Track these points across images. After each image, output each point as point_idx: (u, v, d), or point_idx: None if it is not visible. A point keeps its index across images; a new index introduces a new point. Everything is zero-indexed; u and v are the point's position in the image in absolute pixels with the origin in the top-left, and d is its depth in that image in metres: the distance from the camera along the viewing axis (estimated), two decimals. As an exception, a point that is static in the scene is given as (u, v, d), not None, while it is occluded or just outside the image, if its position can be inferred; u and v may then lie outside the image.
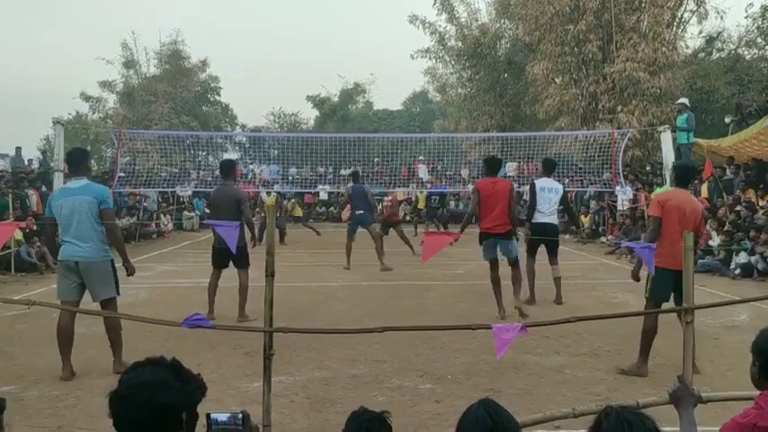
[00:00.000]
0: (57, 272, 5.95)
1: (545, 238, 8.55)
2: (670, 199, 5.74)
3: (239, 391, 5.12)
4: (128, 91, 31.82)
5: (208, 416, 2.27)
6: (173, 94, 31.19)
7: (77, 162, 5.92)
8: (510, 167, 22.48)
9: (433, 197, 19.35)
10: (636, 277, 5.91)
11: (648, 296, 5.70)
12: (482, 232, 7.78)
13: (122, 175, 18.41)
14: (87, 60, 63.54)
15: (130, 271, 5.92)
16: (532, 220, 8.71)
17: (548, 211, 8.65)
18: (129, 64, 31.98)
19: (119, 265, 5.83)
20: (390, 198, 15.35)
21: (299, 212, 19.99)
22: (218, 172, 26.31)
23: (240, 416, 2.34)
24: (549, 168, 9.23)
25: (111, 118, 32.32)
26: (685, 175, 6.13)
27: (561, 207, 9.17)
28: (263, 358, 3.26)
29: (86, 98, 32.65)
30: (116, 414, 1.86)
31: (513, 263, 7.83)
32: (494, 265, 7.85)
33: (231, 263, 7.68)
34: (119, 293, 5.77)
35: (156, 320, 4.77)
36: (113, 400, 1.87)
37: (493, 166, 8.45)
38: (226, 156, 33.84)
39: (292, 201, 19.77)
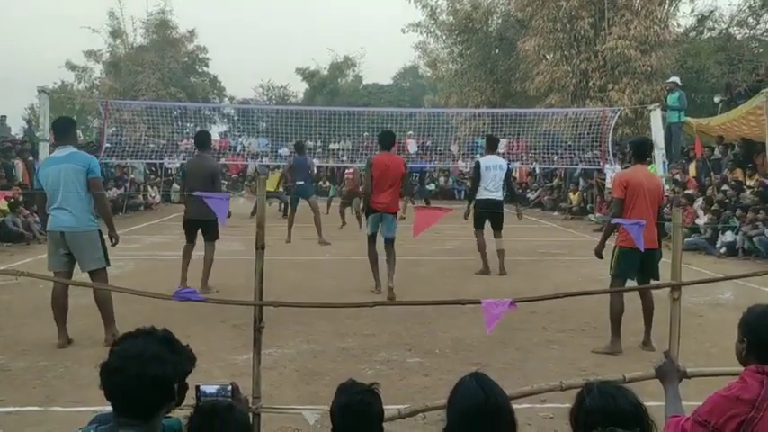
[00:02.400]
0: (46, 242, 5.88)
1: (492, 211, 8.97)
2: (632, 179, 5.71)
3: (228, 363, 5.15)
4: (114, 61, 31.34)
5: (197, 387, 2.27)
6: (160, 64, 30.74)
7: (63, 130, 5.82)
8: (500, 144, 22.46)
9: (414, 174, 19.19)
10: (599, 255, 5.97)
11: (613, 273, 5.76)
12: (370, 207, 7.78)
13: (109, 146, 18.20)
14: (73, 29, 62.43)
15: (115, 240, 5.86)
16: (478, 197, 9.10)
17: (493, 188, 9.04)
18: (116, 33, 31.44)
19: (106, 236, 5.77)
20: (352, 171, 15.28)
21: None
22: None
23: (229, 388, 2.35)
24: (493, 146, 9.69)
25: (97, 88, 31.88)
26: (643, 150, 6.11)
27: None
28: (253, 331, 3.27)
29: (72, 67, 32.17)
30: (108, 386, 1.86)
31: (390, 242, 7.81)
32: (372, 239, 7.90)
33: (200, 233, 7.73)
34: (108, 264, 5.72)
35: (147, 293, 4.74)
36: (105, 372, 1.87)
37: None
38: (215, 128, 33.57)
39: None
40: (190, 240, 7.82)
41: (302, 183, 12.32)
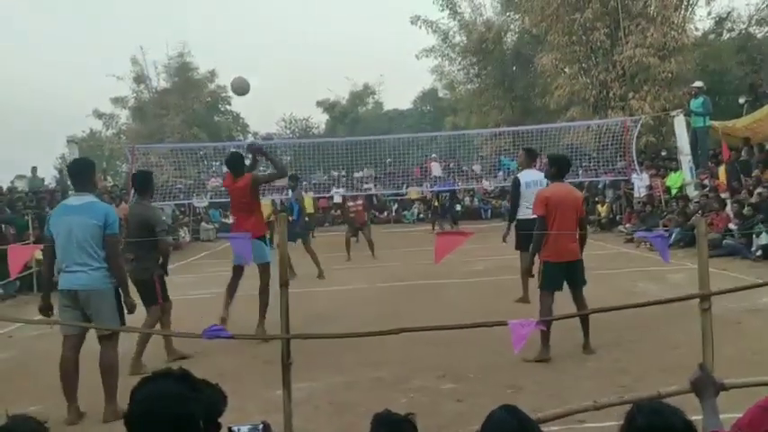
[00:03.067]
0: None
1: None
2: (552, 196, 6.06)
3: (262, 399, 5.15)
4: (139, 106, 32.13)
5: (229, 429, 2.28)
6: (183, 106, 31.44)
7: (80, 174, 5.17)
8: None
9: (443, 194, 19.18)
10: (529, 272, 6.51)
11: (540, 286, 6.11)
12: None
13: (138, 189, 18.53)
14: (99, 77, 64.28)
15: (130, 308, 5.24)
16: (520, 216, 8.16)
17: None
18: (139, 79, 32.28)
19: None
20: (361, 203, 14.92)
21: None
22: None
23: (261, 426, 2.35)
24: (532, 159, 8.77)
25: (124, 133, 32.66)
26: (561, 168, 6.35)
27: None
28: (282, 366, 3.29)
29: (99, 115, 33.06)
30: (132, 430, 1.88)
31: (263, 270, 7.20)
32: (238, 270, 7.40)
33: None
34: (124, 324, 5.22)
35: (176, 333, 4.83)
36: (130, 420, 1.88)
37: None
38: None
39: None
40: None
41: (295, 219, 11.66)
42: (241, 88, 7.88)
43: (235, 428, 2.31)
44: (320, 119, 42.53)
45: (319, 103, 40.04)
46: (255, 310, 7.44)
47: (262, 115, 69.99)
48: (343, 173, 24.30)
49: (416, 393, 5.17)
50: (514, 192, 8.35)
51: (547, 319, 3.47)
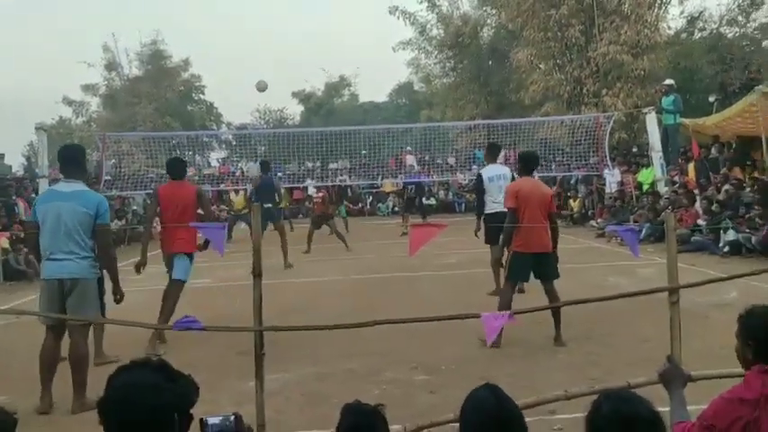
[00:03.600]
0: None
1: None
2: (521, 189, 6.27)
3: (235, 390, 5.12)
4: (111, 93, 31.60)
5: (201, 420, 2.27)
6: (156, 94, 31.00)
7: (71, 160, 4.99)
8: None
9: (409, 187, 19.00)
10: (500, 264, 6.85)
11: (507, 276, 6.35)
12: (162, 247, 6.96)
13: (108, 178, 18.31)
14: (69, 63, 63.01)
15: (120, 297, 5.15)
16: (487, 210, 8.34)
17: (501, 199, 7.79)
18: (111, 66, 31.72)
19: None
20: (321, 195, 15.02)
21: (240, 204, 18.02)
22: (206, 171, 26.08)
23: (232, 417, 2.34)
24: (495, 154, 8.94)
25: (94, 121, 32.11)
26: (528, 164, 6.59)
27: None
28: (255, 357, 3.27)
29: (69, 102, 32.44)
30: (106, 419, 1.86)
31: (173, 284, 6.75)
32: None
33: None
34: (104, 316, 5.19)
35: (148, 324, 4.78)
36: (103, 405, 1.86)
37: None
38: (213, 154, 33.69)
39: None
40: None
41: (269, 206, 11.66)
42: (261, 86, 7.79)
43: (206, 420, 2.29)
44: (295, 110, 42.33)
45: (295, 94, 39.82)
46: (230, 299, 7.38)
47: (236, 105, 69.34)
48: (318, 164, 24.23)
49: (389, 385, 5.19)
50: (478, 187, 8.61)
51: (520, 311, 3.51)
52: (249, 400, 4.39)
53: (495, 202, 8.13)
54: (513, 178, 8.28)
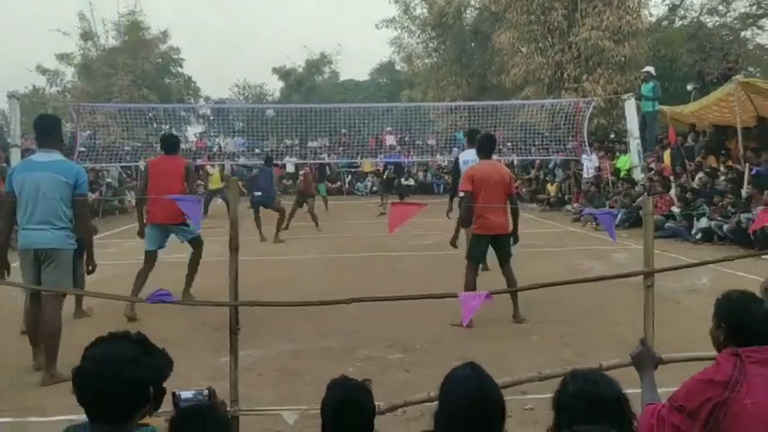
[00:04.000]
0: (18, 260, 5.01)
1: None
2: (477, 173, 6.39)
3: (208, 365, 5.10)
4: (86, 63, 30.92)
5: (174, 393, 2.25)
6: (133, 66, 30.38)
7: (47, 130, 4.97)
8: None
9: (389, 167, 19.03)
10: (453, 244, 7.01)
11: (468, 256, 6.54)
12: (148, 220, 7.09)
13: (83, 149, 17.99)
14: (43, 32, 61.43)
15: (92, 268, 5.23)
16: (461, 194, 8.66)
17: None
18: (87, 36, 31.00)
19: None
20: (304, 172, 15.18)
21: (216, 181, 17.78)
22: (182, 145, 25.77)
23: (206, 392, 2.33)
24: (474, 140, 8.95)
25: (69, 91, 31.45)
26: (487, 145, 6.70)
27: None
28: (230, 332, 3.24)
29: (43, 71, 31.67)
30: (81, 391, 1.84)
31: (197, 244, 7.26)
32: (151, 257, 7.09)
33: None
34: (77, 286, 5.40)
35: (122, 297, 4.73)
36: (78, 377, 1.85)
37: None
38: (191, 129, 33.23)
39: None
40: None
41: (260, 194, 12.30)
42: None
43: (179, 394, 2.28)
44: (275, 86, 41.84)
45: (275, 70, 39.31)
46: (206, 275, 7.34)
47: (215, 80, 68.44)
48: (297, 141, 24.02)
49: (364, 363, 5.20)
50: (455, 169, 8.97)
51: (497, 291, 3.52)
52: (223, 376, 4.37)
53: None
54: None
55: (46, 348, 4.82)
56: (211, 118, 31.16)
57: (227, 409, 2.90)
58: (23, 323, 5.22)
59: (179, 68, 35.71)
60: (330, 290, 7.67)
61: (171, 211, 6.64)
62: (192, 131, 30.88)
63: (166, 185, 6.76)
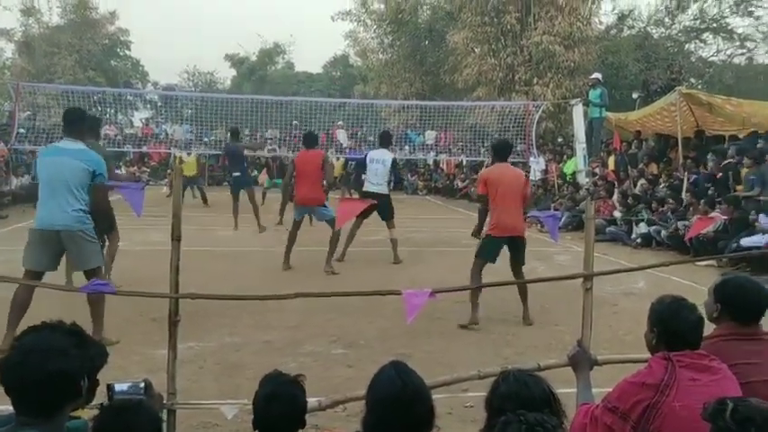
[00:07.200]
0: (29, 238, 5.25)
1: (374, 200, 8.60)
2: (490, 175, 6.50)
3: (146, 358, 4.99)
4: (27, 41, 29.75)
5: (108, 386, 2.19)
6: (78, 46, 29.41)
7: (72, 122, 5.36)
8: (429, 136, 22.70)
9: (350, 162, 19.10)
10: (476, 236, 6.84)
11: (477, 254, 6.44)
12: (297, 202, 8.76)
13: (22, 131, 17.31)
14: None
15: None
16: (364, 189, 9.33)
17: (375, 181, 9.18)
18: (29, 11, 29.83)
19: None
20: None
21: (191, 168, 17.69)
22: (128, 130, 25.05)
23: (142, 384, 2.27)
24: (384, 141, 9.88)
25: (8, 69, 30.24)
26: (502, 150, 6.80)
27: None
28: (169, 325, 3.17)
29: (-20, 46, 30.39)
30: (7, 381, 1.77)
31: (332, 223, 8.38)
32: (297, 224, 8.81)
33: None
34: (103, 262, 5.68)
35: (55, 286, 4.56)
36: (4, 367, 1.78)
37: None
38: (137, 114, 32.40)
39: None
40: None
41: (239, 174, 12.20)
42: None
43: (114, 386, 2.21)
44: (227, 74, 41.17)
45: (228, 57, 38.69)
46: (146, 264, 7.15)
47: (163, 64, 66.71)
48: (248, 132, 23.66)
49: (306, 358, 5.17)
50: (359, 163, 9.91)
51: (442, 290, 3.54)
52: (160, 368, 4.27)
53: (370, 182, 9.19)
54: (393, 164, 9.32)
55: (93, 315, 5.15)
56: (159, 104, 30.44)
57: (164, 402, 2.84)
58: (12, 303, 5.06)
59: (127, 51, 34.80)
60: (275, 283, 7.59)
61: (312, 196, 8.54)
62: (139, 116, 30.11)
63: (310, 173, 8.50)
